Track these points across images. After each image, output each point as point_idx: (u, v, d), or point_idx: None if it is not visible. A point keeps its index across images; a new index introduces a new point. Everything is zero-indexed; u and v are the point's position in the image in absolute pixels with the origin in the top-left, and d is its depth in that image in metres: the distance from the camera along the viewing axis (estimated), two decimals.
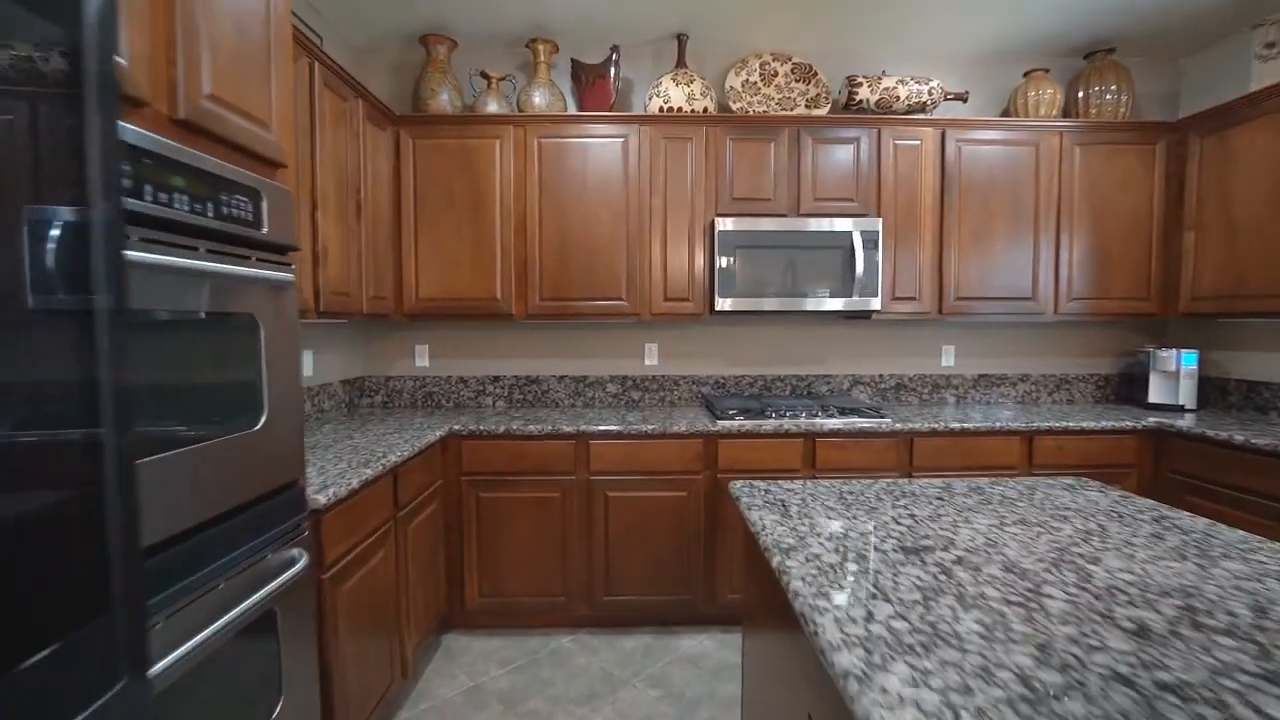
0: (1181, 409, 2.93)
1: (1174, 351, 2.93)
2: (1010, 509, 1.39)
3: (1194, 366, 2.92)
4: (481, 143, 2.80)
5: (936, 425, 2.61)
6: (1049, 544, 1.17)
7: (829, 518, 1.33)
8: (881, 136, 2.85)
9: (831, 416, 2.66)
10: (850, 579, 1.02)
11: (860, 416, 2.67)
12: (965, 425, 2.61)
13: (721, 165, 2.83)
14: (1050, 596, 0.94)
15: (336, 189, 2.27)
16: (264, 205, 1.37)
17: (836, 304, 2.78)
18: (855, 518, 1.33)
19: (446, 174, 2.81)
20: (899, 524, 1.29)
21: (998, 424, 2.63)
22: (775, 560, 1.12)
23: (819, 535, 1.23)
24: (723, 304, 2.76)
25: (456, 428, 2.57)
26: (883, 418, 2.67)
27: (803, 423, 2.60)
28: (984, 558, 1.10)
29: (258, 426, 1.37)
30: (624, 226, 2.83)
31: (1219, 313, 2.72)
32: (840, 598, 0.95)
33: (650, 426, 2.57)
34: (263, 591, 1.28)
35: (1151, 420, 2.68)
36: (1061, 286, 2.94)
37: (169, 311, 1.14)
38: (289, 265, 1.47)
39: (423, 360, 3.21)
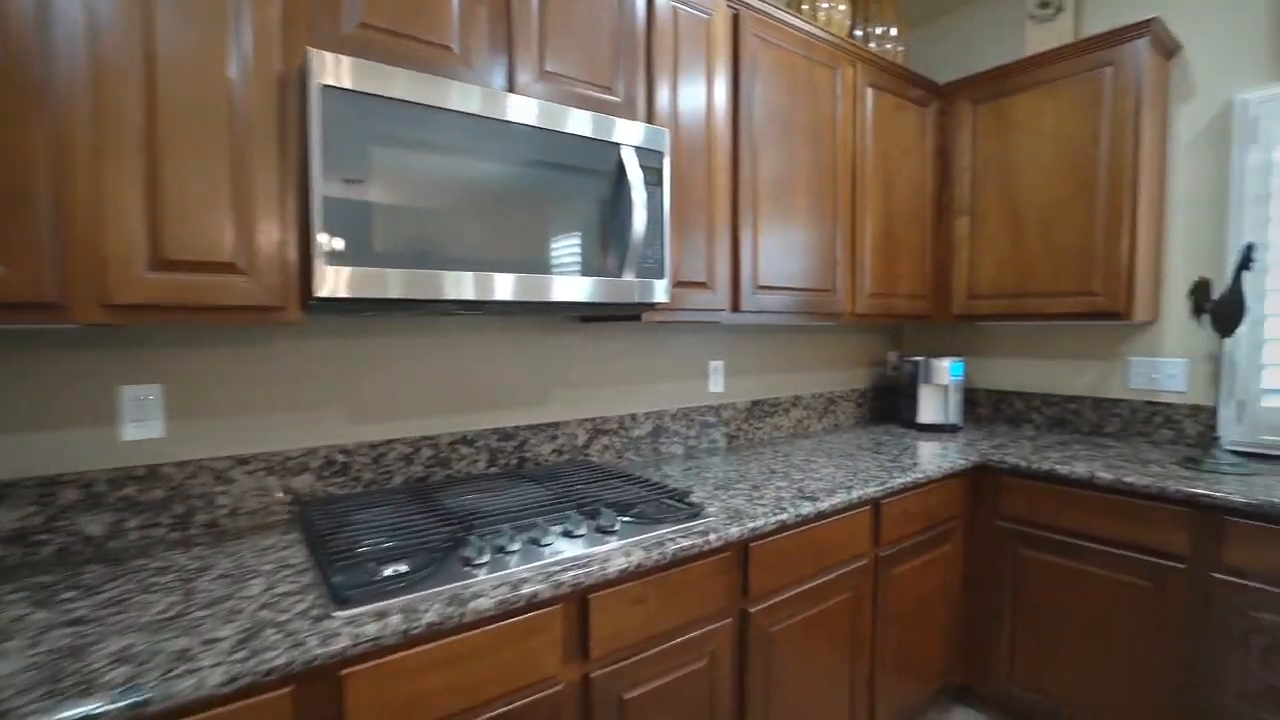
0: (955, 428, 2.45)
1: (946, 361, 2.42)
2: None
3: (961, 378, 2.46)
4: None
5: (783, 515, 1.42)
6: None
7: None
8: None
9: (613, 534, 1.22)
10: None
11: (665, 522, 1.30)
12: (819, 506, 1.50)
13: None
14: None
15: None
16: None
17: (588, 288, 1.36)
18: None
19: None
20: None
21: (854, 493, 1.59)
22: None
23: None
24: (335, 282, 1.05)
25: None
26: (701, 516, 1.35)
27: (556, 566, 1.09)
28: None
29: None
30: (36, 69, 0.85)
31: (1003, 314, 2.26)
32: None
33: (133, 699, 0.69)
34: None
35: (973, 454, 2.03)
36: (858, 276, 2.13)
37: None
38: None
39: None
